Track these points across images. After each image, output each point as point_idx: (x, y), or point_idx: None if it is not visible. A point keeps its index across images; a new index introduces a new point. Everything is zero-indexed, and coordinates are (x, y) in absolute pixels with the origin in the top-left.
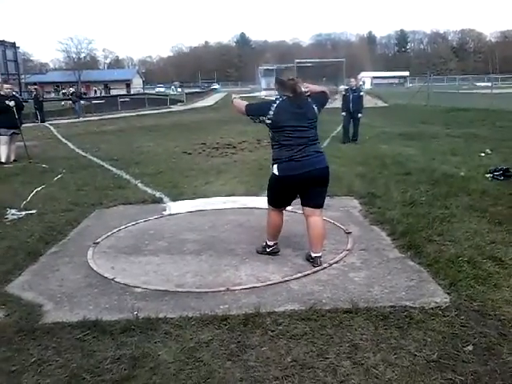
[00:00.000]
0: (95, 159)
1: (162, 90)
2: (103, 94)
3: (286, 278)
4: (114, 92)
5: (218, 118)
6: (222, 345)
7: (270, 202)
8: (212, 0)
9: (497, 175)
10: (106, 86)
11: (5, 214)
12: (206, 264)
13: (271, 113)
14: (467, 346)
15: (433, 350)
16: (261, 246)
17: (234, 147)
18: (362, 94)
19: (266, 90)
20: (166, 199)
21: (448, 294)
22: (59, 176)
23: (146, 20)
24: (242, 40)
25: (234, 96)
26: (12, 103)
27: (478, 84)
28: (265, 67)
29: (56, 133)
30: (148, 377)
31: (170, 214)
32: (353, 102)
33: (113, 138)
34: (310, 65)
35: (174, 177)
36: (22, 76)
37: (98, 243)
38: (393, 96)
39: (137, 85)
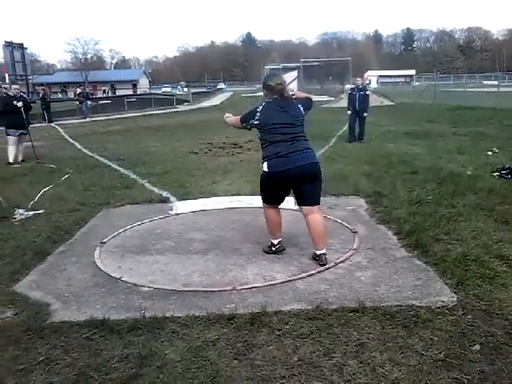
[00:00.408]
0: (102, 159)
1: (168, 89)
2: (110, 94)
3: (293, 278)
4: (120, 92)
5: (224, 117)
6: (229, 344)
7: (263, 200)
8: (218, 0)
9: (504, 174)
10: (113, 86)
11: (13, 213)
12: (213, 263)
13: (258, 114)
14: (474, 345)
15: (440, 349)
16: (267, 246)
17: (241, 147)
18: (368, 92)
19: None
20: (172, 199)
21: (455, 293)
22: (66, 176)
23: (153, 20)
24: (248, 40)
25: (226, 115)
26: (20, 104)
27: (484, 82)
28: (271, 67)
29: (63, 133)
30: (155, 375)
31: (177, 214)
32: (359, 101)
33: (119, 138)
34: (316, 64)
35: (181, 176)
36: (30, 77)
37: (104, 243)
38: (399, 95)
39: (143, 85)
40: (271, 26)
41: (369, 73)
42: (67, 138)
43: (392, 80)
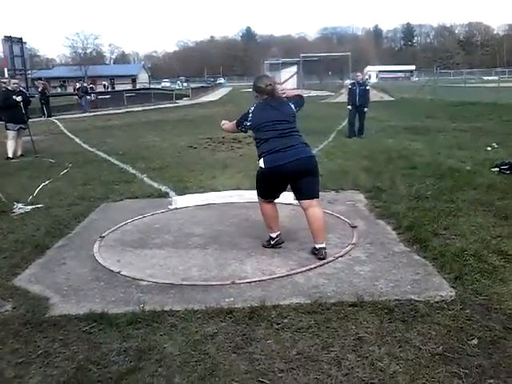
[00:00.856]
0: (101, 154)
1: (168, 84)
2: (110, 89)
3: (291, 272)
4: (119, 87)
5: (223, 112)
6: (228, 337)
7: (259, 195)
8: None
9: (503, 169)
10: (112, 81)
11: (12, 208)
12: (212, 258)
13: (250, 115)
14: (472, 339)
15: (438, 343)
16: (265, 240)
17: (240, 141)
18: (368, 87)
19: None
20: (171, 193)
21: (453, 287)
22: (66, 170)
23: (152, 15)
24: (248, 34)
25: (222, 122)
26: (19, 98)
27: (484, 78)
28: (270, 61)
29: (62, 128)
30: (154, 369)
31: (176, 208)
32: (359, 96)
33: (119, 133)
34: (315, 59)
35: (180, 171)
36: (29, 71)
37: (104, 237)
38: (399, 90)
39: (143, 80)
40: (271, 21)
41: (368, 68)
42: (66, 132)
43: (392, 75)
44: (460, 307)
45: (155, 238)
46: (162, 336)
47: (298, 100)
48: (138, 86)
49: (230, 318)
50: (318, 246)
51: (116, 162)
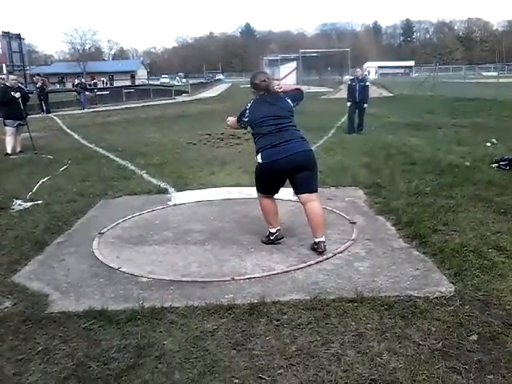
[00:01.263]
0: (100, 150)
1: (167, 80)
2: (109, 85)
3: (291, 268)
4: (118, 83)
5: (222, 108)
6: (227, 334)
7: (258, 190)
8: None
9: (502, 165)
10: (111, 77)
11: (11, 204)
12: (211, 254)
13: (247, 111)
14: (471, 335)
15: (437, 339)
16: (265, 236)
17: (239, 138)
18: (367, 83)
19: None
20: (171, 190)
21: (453, 283)
22: (65, 167)
23: (151, 11)
24: (247, 30)
25: (228, 119)
26: (18, 94)
27: (484, 73)
28: (269, 58)
29: (61, 124)
30: (153, 365)
31: (175, 205)
32: (359, 92)
33: (118, 129)
34: (314, 55)
35: (179, 167)
36: (27, 67)
37: (103, 233)
38: (398, 86)
39: (141, 76)
40: (270, 17)
41: (368, 64)
42: (65, 128)
43: (391, 71)
44: (459, 303)
45: (154, 234)
46: (161, 332)
47: (297, 94)
48: (136, 82)
49: (230, 314)
50: (317, 240)
51: (115, 159)
